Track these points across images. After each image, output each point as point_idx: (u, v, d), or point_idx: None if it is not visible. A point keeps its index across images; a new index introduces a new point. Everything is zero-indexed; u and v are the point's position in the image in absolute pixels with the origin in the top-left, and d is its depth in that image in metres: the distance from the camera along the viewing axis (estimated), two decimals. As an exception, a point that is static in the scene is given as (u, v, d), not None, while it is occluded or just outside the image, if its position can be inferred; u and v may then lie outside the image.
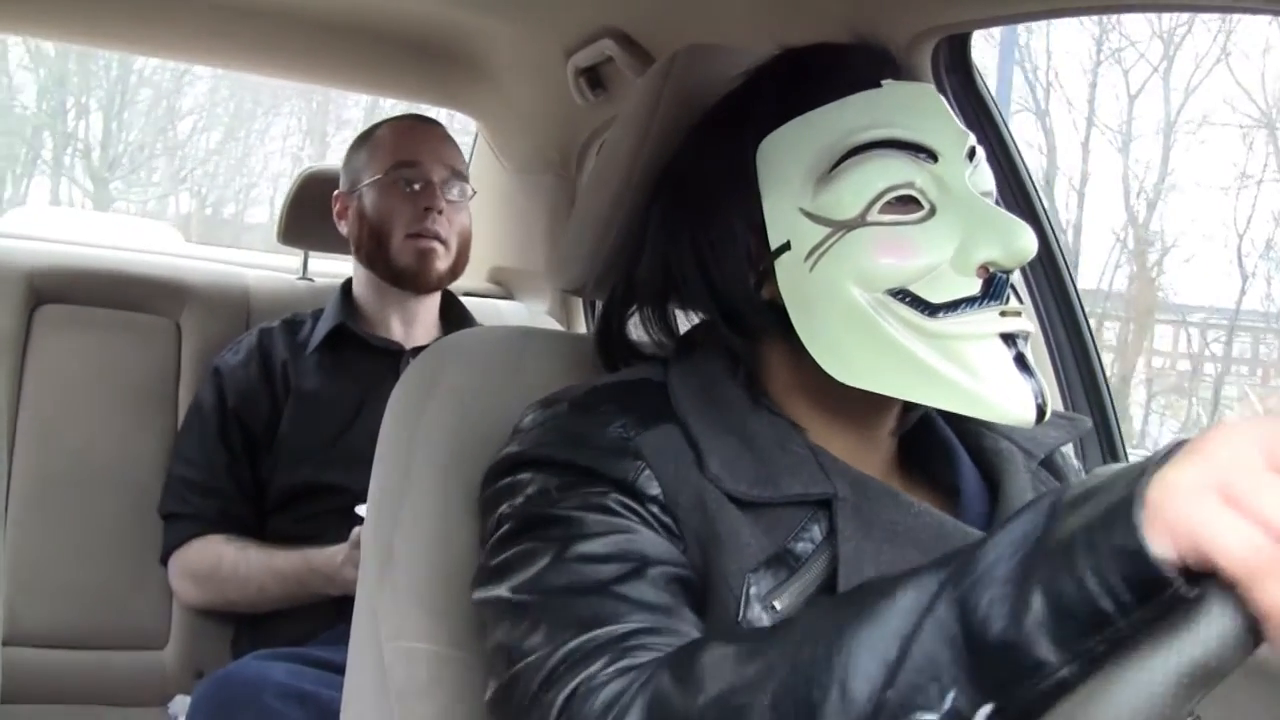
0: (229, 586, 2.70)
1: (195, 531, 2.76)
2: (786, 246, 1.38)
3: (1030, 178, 2.37)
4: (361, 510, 2.45)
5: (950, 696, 0.96)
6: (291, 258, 3.57)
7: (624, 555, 1.26)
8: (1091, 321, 2.37)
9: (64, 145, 20.67)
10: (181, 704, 2.59)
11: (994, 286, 1.31)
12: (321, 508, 2.70)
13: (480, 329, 2.14)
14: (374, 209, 2.89)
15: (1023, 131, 15.84)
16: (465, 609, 1.40)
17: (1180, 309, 14.96)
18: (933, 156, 1.35)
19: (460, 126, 3.99)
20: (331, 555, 2.56)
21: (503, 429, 1.46)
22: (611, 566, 1.25)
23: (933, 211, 1.34)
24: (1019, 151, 2.35)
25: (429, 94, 3.81)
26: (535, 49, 3.21)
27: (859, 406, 1.41)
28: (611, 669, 1.16)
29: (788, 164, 1.39)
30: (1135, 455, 2.44)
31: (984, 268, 1.31)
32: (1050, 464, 1.55)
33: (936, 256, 1.32)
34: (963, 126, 1.41)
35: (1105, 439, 2.39)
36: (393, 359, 2.86)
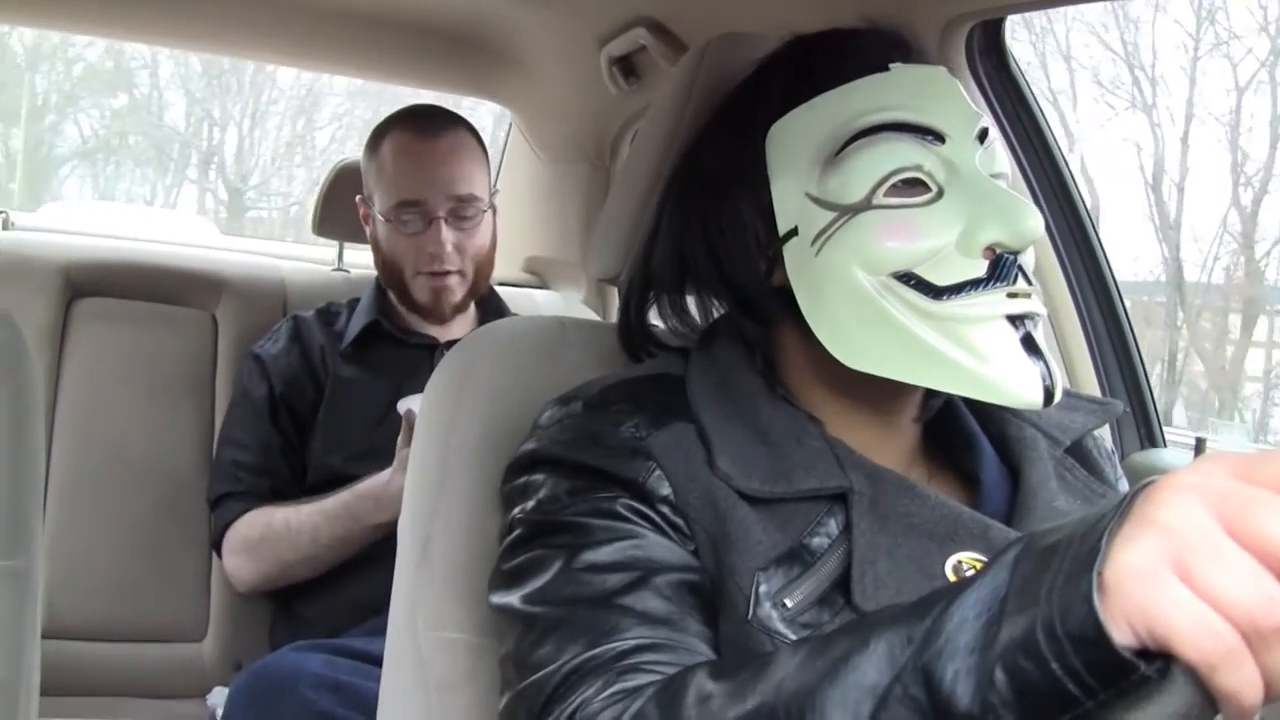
0: (282, 545, 2.67)
1: (246, 506, 2.74)
2: (794, 232, 1.38)
3: (1066, 163, 2.36)
4: (405, 404, 2.46)
5: None
6: (327, 249, 3.57)
7: (630, 564, 1.27)
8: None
9: (208, 158, 21.35)
10: (220, 695, 2.59)
11: (1000, 268, 1.30)
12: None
13: (514, 319, 2.15)
14: (386, 244, 2.87)
15: (1130, 129, 15.78)
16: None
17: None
18: (940, 138, 1.35)
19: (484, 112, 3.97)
20: (379, 477, 2.55)
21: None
22: (617, 576, 1.26)
23: (940, 193, 1.33)
24: (1054, 137, 2.35)
25: (463, 85, 3.81)
26: (568, 39, 3.21)
27: (875, 393, 1.40)
28: (607, 693, 1.17)
29: (795, 150, 1.39)
30: (1173, 436, 2.43)
31: (990, 249, 1.30)
32: (1079, 449, 1.53)
33: (942, 239, 1.31)
34: (974, 108, 1.41)
35: (1143, 424, 2.38)
36: (427, 352, 2.86)
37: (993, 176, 1.36)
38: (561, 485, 1.34)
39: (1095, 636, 0.84)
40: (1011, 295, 1.30)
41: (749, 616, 1.26)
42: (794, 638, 1.24)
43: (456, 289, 2.85)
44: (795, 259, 1.38)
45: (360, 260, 3.46)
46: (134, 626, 2.89)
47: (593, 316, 3.53)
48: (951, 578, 1.26)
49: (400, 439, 2.49)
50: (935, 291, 1.30)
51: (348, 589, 2.64)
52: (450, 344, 2.79)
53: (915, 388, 1.41)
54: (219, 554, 2.79)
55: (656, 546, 1.29)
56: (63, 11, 3.26)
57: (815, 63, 1.44)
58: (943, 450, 1.51)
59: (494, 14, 3.28)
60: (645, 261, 1.57)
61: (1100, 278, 2.39)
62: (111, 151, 21.68)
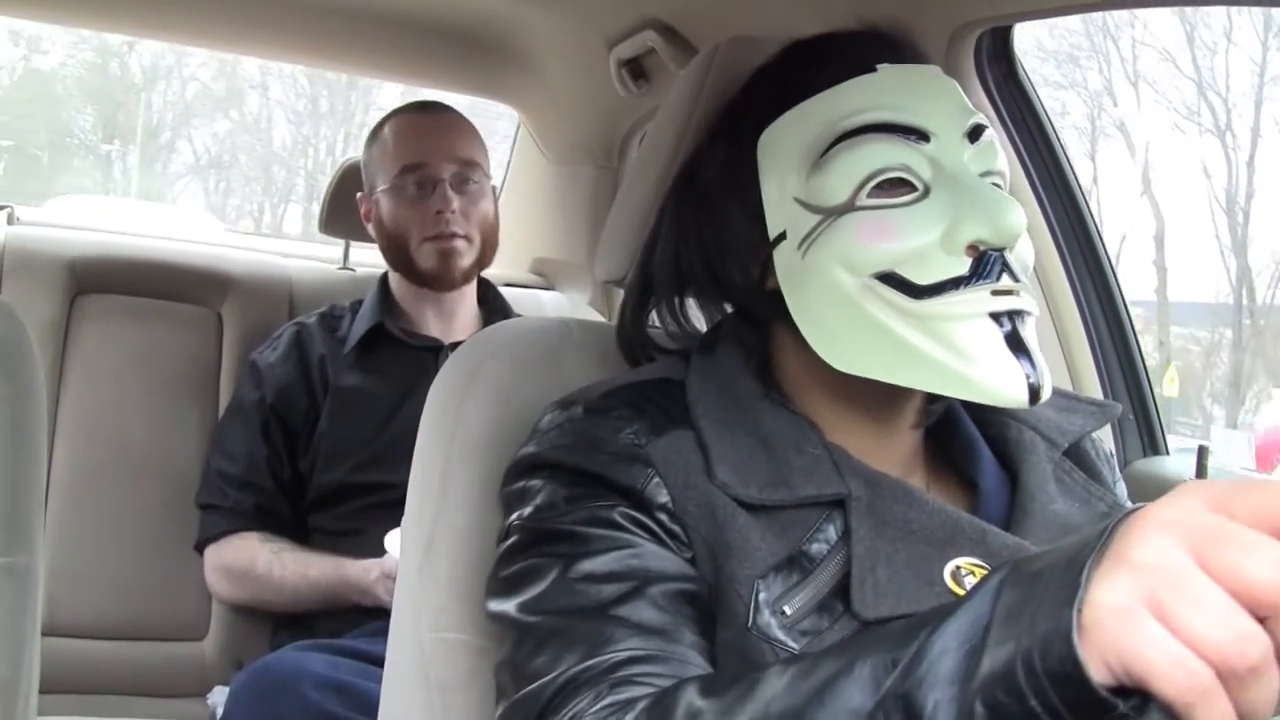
0: (262, 588, 2.72)
1: (231, 526, 2.77)
2: (783, 236, 1.39)
3: (1072, 169, 2.36)
4: (390, 542, 2.46)
5: None
6: (333, 248, 3.57)
7: (626, 574, 1.27)
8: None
9: (312, 177, 22.09)
10: (220, 695, 2.59)
11: (984, 265, 1.30)
12: (362, 504, 2.71)
13: (519, 320, 2.15)
14: (390, 217, 2.88)
15: (1186, 150, 15.80)
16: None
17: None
18: (925, 137, 1.35)
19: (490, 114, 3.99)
20: (366, 569, 2.57)
21: (543, 420, 1.46)
22: (613, 586, 1.26)
23: (926, 193, 1.33)
24: (1061, 143, 2.35)
25: (471, 85, 3.81)
26: (577, 40, 3.21)
27: (871, 397, 1.40)
28: (598, 706, 1.17)
29: (784, 154, 1.40)
30: (1174, 442, 2.43)
31: (973, 247, 1.30)
32: (1078, 452, 1.53)
33: (924, 238, 1.31)
34: (967, 106, 1.41)
35: (1145, 431, 2.38)
36: (431, 354, 2.86)
37: (987, 174, 1.37)
38: (559, 492, 1.34)
39: (1074, 675, 0.84)
40: (996, 293, 1.30)
41: (749, 625, 1.26)
42: (794, 645, 1.24)
43: (464, 253, 2.86)
44: (784, 262, 1.39)
45: (366, 259, 3.46)
46: (135, 625, 2.89)
47: (599, 318, 3.52)
48: (950, 583, 1.26)
49: (383, 569, 2.53)
50: (916, 291, 1.30)
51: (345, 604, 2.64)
52: (454, 346, 2.79)
53: (912, 392, 1.40)
54: (200, 554, 2.82)
55: (653, 556, 1.29)
56: (70, 4, 3.26)
57: (804, 67, 1.45)
58: (943, 455, 1.51)
59: (504, 15, 3.28)
60: (644, 267, 1.57)
61: (1105, 284, 2.39)
62: (223, 169, 22.16)
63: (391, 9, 3.35)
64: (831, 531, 1.30)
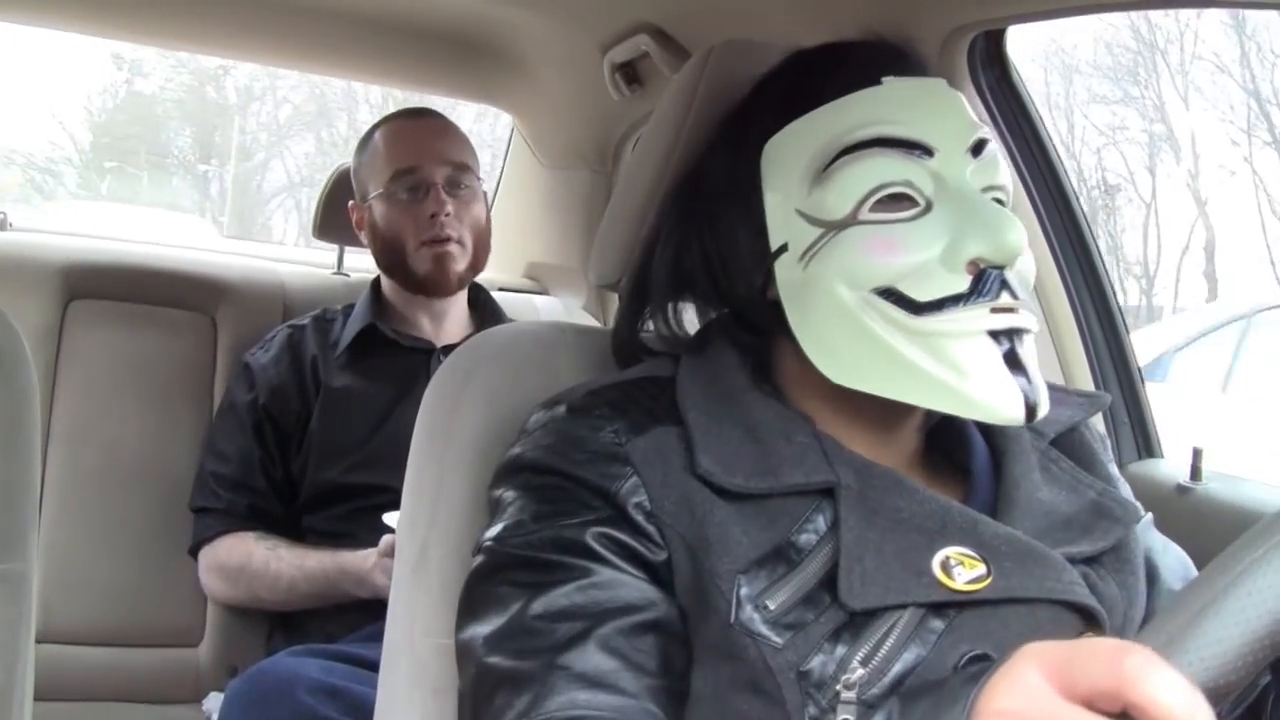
0: (258, 584, 2.70)
1: (225, 527, 2.76)
2: (785, 247, 1.39)
3: (1066, 174, 2.36)
4: (389, 519, 2.45)
5: None
6: (327, 253, 3.57)
7: (578, 612, 1.27)
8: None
9: None
10: (215, 700, 2.59)
11: (984, 283, 1.30)
12: (354, 506, 2.70)
13: (513, 325, 2.14)
14: (383, 222, 2.88)
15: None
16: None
17: None
18: (929, 152, 1.35)
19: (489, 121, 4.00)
20: (363, 558, 2.56)
21: (537, 425, 1.47)
22: (565, 626, 1.26)
23: (928, 208, 1.33)
24: (1055, 148, 2.35)
25: (465, 90, 3.81)
26: (571, 44, 3.21)
27: (874, 408, 1.40)
28: None
29: (787, 165, 1.40)
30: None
31: (973, 264, 1.30)
32: (1067, 442, 1.53)
33: (925, 254, 1.31)
34: (972, 120, 1.41)
35: (1140, 435, 2.38)
36: (423, 357, 2.86)
37: (989, 189, 1.37)
38: (529, 508, 1.35)
39: None
40: (995, 310, 1.30)
41: (731, 620, 1.26)
42: (778, 639, 1.24)
43: (458, 258, 2.86)
44: (785, 274, 1.39)
45: (360, 264, 3.46)
46: (129, 631, 2.89)
47: (593, 323, 3.52)
48: (939, 574, 1.26)
49: (379, 550, 2.50)
50: (916, 307, 1.30)
51: (341, 597, 2.63)
52: (447, 349, 2.80)
53: (912, 406, 1.40)
54: (194, 558, 2.81)
55: (612, 585, 1.29)
56: (64, 10, 3.25)
57: (809, 78, 1.45)
58: (938, 442, 1.51)
59: (497, 19, 3.28)
60: (641, 271, 1.57)
61: (1099, 289, 2.39)
62: (314, 188, 22.87)
63: (385, 14, 3.35)
64: (821, 522, 1.30)
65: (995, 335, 1.29)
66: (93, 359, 2.98)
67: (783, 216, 1.39)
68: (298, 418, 2.81)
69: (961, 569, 1.27)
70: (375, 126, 2.99)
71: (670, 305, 1.56)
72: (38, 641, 1.69)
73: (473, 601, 1.35)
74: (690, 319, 1.58)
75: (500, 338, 1.70)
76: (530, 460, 1.38)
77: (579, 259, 3.69)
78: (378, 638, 1.68)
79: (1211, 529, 1.91)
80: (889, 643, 1.23)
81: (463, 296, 3.00)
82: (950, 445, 1.50)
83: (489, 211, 2.97)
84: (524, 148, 3.93)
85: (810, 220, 1.36)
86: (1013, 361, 1.30)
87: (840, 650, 1.23)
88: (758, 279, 1.43)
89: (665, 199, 1.58)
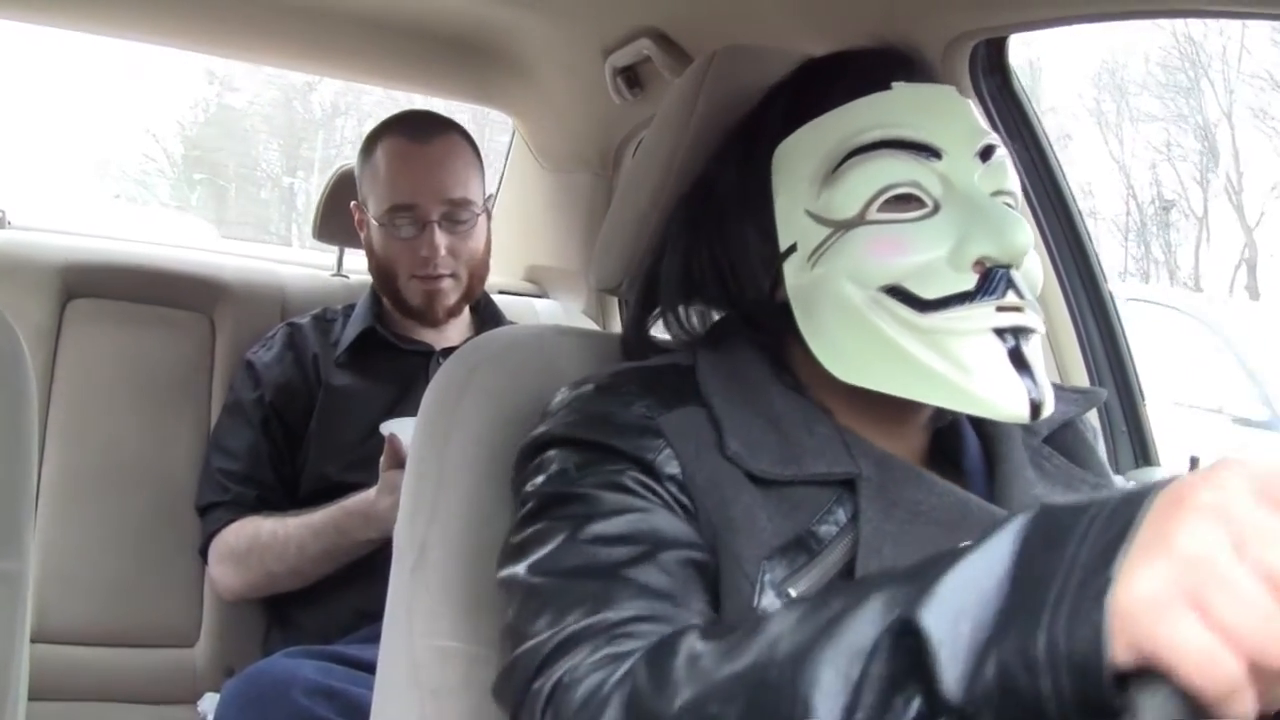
0: (269, 556, 2.67)
1: (233, 516, 2.74)
2: (793, 248, 1.40)
3: (1065, 178, 2.36)
4: (387, 427, 2.45)
5: (915, 704, 0.95)
6: (327, 254, 3.56)
7: (637, 537, 1.27)
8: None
9: None
10: (211, 701, 2.59)
11: (990, 282, 1.31)
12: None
13: (513, 328, 2.14)
14: (379, 248, 2.87)
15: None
16: (498, 609, 1.39)
17: None
18: (936, 154, 1.36)
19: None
20: (366, 495, 2.54)
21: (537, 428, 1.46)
22: (623, 549, 1.26)
23: (936, 209, 1.34)
24: (1054, 153, 2.35)
25: (466, 92, 3.81)
26: (573, 48, 3.21)
27: (886, 404, 1.40)
28: (596, 656, 1.18)
29: (797, 168, 1.41)
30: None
31: (979, 263, 1.32)
32: (1060, 439, 1.54)
33: (932, 253, 1.32)
34: (982, 126, 1.42)
35: (1138, 442, 2.39)
36: (423, 359, 2.85)
37: (998, 194, 1.38)
38: (571, 460, 1.35)
39: (1096, 672, 0.84)
40: (1001, 309, 1.31)
41: (755, 604, 1.26)
42: None
43: (450, 292, 2.84)
44: (793, 275, 1.40)
45: (360, 265, 3.46)
46: (125, 631, 2.88)
47: (593, 326, 3.52)
48: None
49: (383, 460, 2.46)
50: (922, 305, 1.31)
51: (342, 596, 2.64)
52: (446, 351, 2.79)
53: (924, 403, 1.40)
54: (205, 561, 2.79)
55: (665, 521, 1.30)
56: (64, 9, 3.25)
57: (819, 83, 1.46)
58: (938, 441, 1.52)
59: (499, 22, 3.28)
60: (650, 275, 1.58)
61: (1098, 294, 2.39)
62: None
63: (386, 16, 3.35)
64: (841, 514, 1.31)
65: (1000, 333, 1.30)
66: (90, 358, 2.97)
67: (792, 218, 1.40)
68: (303, 415, 2.80)
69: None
70: (379, 133, 2.94)
71: (680, 308, 1.57)
72: (32, 641, 1.69)
73: (517, 542, 1.35)
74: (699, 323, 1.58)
75: (500, 340, 1.70)
76: (560, 435, 1.38)
77: (579, 262, 3.69)
78: (375, 639, 1.67)
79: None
80: None
81: (464, 299, 2.97)
82: (947, 442, 1.51)
83: (490, 227, 2.96)
84: (525, 151, 3.92)
85: (819, 220, 1.37)
86: (1018, 359, 1.30)
87: None
88: (766, 282, 1.44)
89: (673, 204, 1.58)
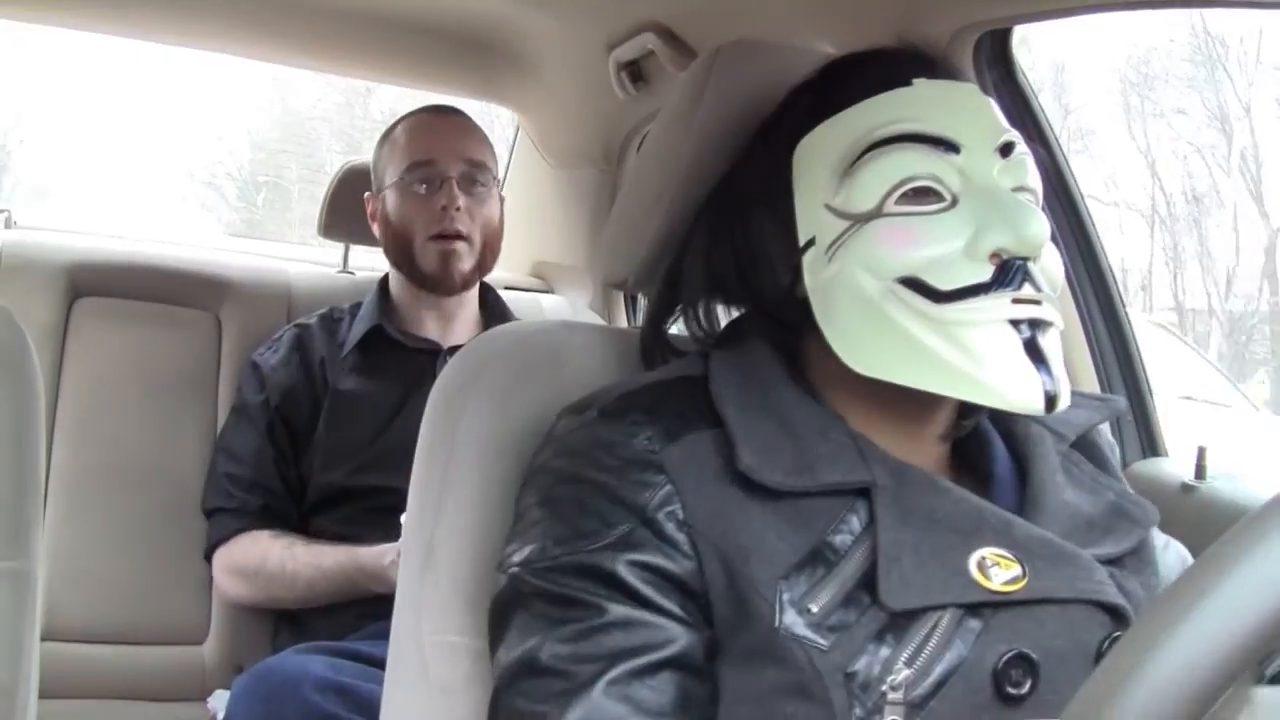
0: (275, 584, 2.69)
1: (240, 527, 2.75)
2: (812, 241, 1.39)
3: (1072, 174, 2.36)
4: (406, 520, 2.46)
5: None
6: (333, 251, 3.56)
7: (585, 658, 1.26)
8: None
9: None
10: (220, 699, 2.59)
11: (1007, 274, 1.31)
12: (361, 508, 2.70)
13: (520, 323, 2.14)
14: (395, 213, 2.88)
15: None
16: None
17: None
18: (955, 149, 1.35)
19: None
20: (379, 554, 2.55)
21: (543, 424, 1.46)
22: (576, 670, 1.26)
23: (954, 203, 1.34)
24: (1060, 146, 2.35)
25: (470, 88, 3.80)
26: (577, 43, 3.21)
27: (902, 405, 1.40)
28: None
29: (817, 163, 1.40)
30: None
31: (996, 255, 1.31)
32: (1082, 444, 1.54)
33: (948, 246, 1.32)
34: (1003, 123, 1.42)
35: (1145, 433, 2.38)
36: (430, 358, 2.85)
37: (1018, 190, 1.37)
38: (551, 530, 1.34)
39: None
40: (1017, 301, 1.30)
41: (776, 624, 1.25)
42: (823, 641, 1.24)
43: (465, 256, 2.85)
44: (812, 267, 1.39)
45: (366, 263, 3.45)
46: (134, 629, 2.88)
47: (599, 321, 3.52)
48: (976, 574, 1.26)
49: (396, 549, 2.47)
50: (937, 296, 1.31)
51: (357, 594, 2.63)
52: (453, 350, 2.78)
53: (941, 402, 1.41)
54: (209, 563, 2.80)
55: (628, 624, 1.28)
56: (64, 7, 3.25)
57: (842, 80, 1.46)
58: (957, 447, 1.51)
59: (503, 18, 3.28)
60: (671, 273, 1.59)
61: (1104, 287, 2.39)
62: None
63: (390, 12, 3.35)
64: (855, 522, 1.30)
65: (1015, 324, 1.30)
66: (98, 357, 2.98)
67: (811, 211, 1.40)
68: (309, 419, 2.81)
69: (998, 569, 1.27)
70: (398, 121, 2.99)
71: (701, 306, 1.57)
72: (42, 639, 1.70)
73: (497, 625, 1.36)
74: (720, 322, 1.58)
75: (507, 336, 1.69)
76: (556, 468, 1.38)
77: (585, 258, 3.70)
78: (384, 636, 1.68)
79: (1216, 527, 1.91)
80: (932, 643, 1.23)
81: (472, 298, 2.99)
82: (971, 451, 1.50)
83: (502, 214, 2.97)
84: (529, 146, 3.93)
85: (837, 214, 1.37)
86: (1033, 351, 1.30)
87: (884, 651, 1.23)
88: (785, 276, 1.43)
89: (678, 200, 1.58)
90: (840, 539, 1.29)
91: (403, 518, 2.32)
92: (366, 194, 3.01)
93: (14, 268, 2.97)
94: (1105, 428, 1.62)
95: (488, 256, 2.91)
